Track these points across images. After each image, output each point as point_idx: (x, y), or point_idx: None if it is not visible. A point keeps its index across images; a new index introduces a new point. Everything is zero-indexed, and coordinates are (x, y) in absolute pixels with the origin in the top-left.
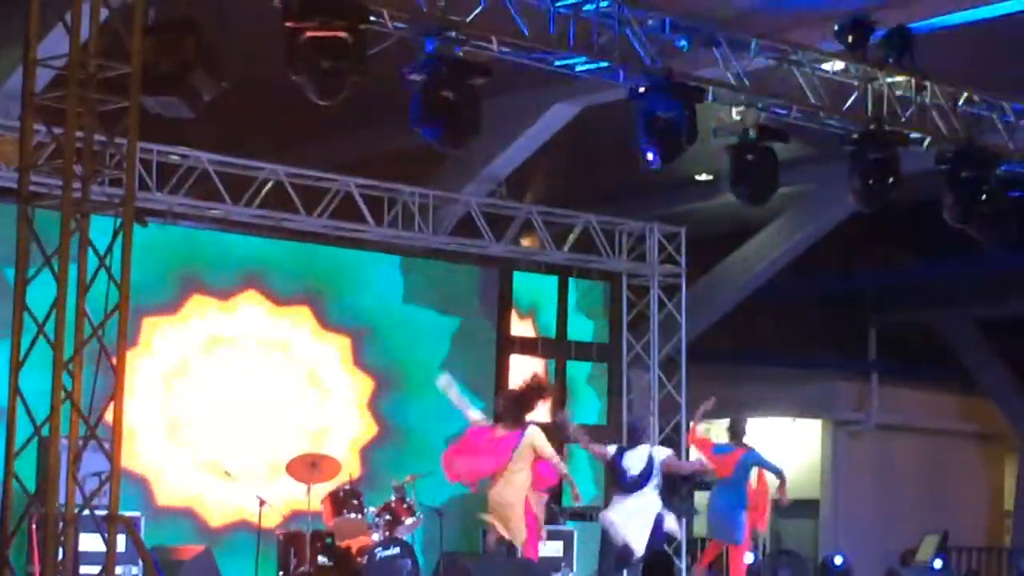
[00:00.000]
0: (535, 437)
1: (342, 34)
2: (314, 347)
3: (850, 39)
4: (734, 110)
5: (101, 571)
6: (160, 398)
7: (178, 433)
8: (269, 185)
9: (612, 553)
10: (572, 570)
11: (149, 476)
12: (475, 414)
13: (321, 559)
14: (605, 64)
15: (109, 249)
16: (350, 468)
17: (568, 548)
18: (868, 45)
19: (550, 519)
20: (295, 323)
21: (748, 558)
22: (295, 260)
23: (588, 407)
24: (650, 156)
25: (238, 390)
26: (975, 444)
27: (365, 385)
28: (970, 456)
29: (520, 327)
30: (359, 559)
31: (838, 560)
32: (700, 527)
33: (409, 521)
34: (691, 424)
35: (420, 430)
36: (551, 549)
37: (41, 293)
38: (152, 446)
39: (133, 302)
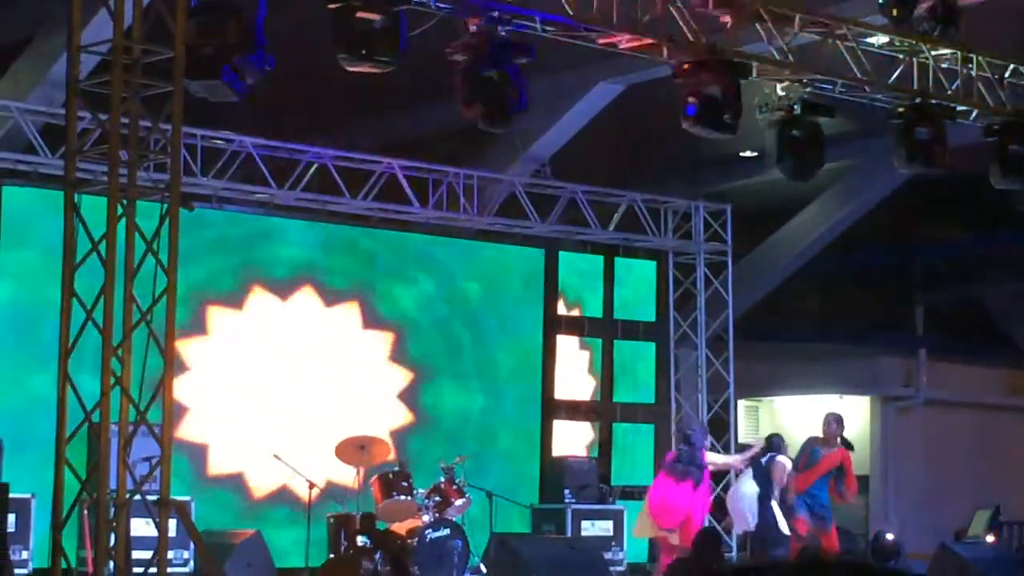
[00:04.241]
0: None
1: (377, 16)
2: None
3: (895, 12)
4: (779, 85)
5: (153, 555)
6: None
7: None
8: (314, 168)
9: None
10: (622, 549)
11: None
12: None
13: (362, 540)
14: (649, 41)
15: (156, 234)
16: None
17: (618, 527)
18: (913, 18)
19: (600, 499)
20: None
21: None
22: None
23: (637, 386)
24: (691, 112)
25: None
26: None
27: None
28: (1020, 430)
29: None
30: (408, 540)
31: (889, 536)
32: None
33: (459, 502)
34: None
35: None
36: (600, 528)
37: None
38: (211, 428)
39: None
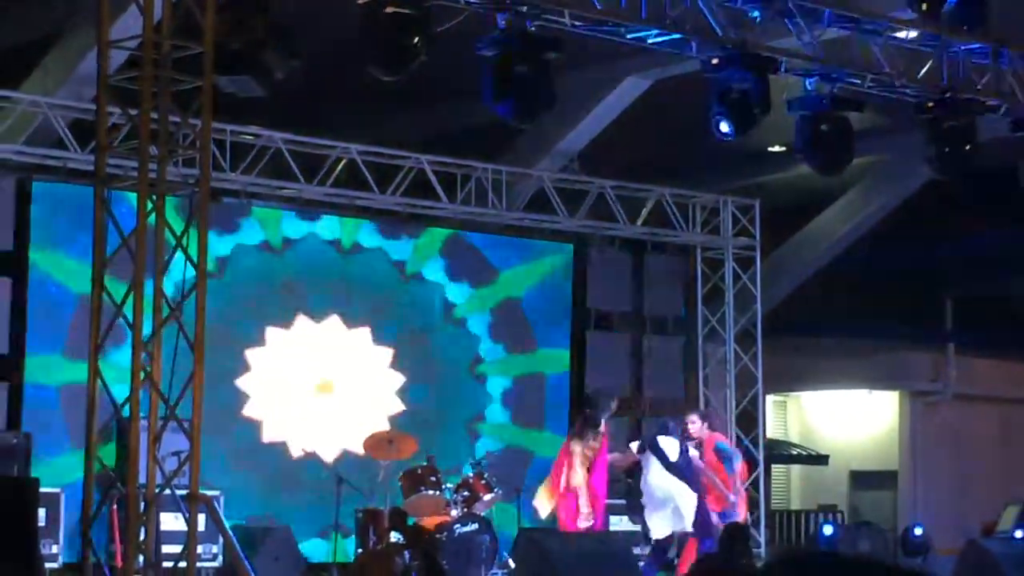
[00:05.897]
0: None
1: (408, 10)
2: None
3: (924, 6)
4: (808, 80)
5: (182, 549)
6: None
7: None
8: (342, 164)
9: None
10: (650, 544)
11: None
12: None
13: (394, 535)
14: (678, 36)
15: (186, 229)
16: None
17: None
18: (942, 12)
19: (628, 494)
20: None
21: None
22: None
23: (666, 381)
24: (724, 128)
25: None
26: None
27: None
28: None
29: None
30: (437, 535)
31: (918, 531)
32: None
33: (487, 497)
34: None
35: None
36: (628, 523)
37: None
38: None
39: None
